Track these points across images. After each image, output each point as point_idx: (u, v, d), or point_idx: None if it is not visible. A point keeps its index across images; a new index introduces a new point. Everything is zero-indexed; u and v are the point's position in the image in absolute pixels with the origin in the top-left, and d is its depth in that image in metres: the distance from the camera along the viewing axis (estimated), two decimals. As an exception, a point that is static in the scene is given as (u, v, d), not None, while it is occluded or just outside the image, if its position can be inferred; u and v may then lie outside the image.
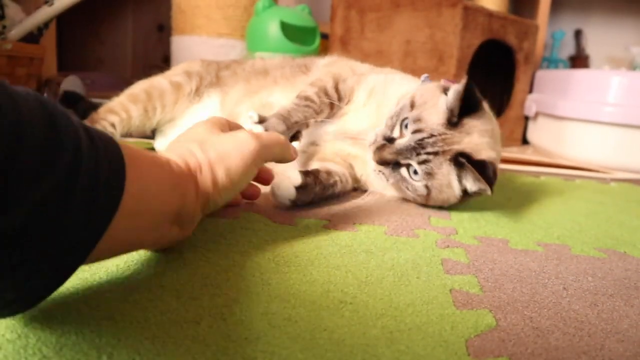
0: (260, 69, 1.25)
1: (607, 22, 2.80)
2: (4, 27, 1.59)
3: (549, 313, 0.57)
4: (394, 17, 1.78)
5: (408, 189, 0.93)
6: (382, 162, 0.92)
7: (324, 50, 2.04)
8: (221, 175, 0.61)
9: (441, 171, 0.89)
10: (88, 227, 0.42)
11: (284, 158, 0.73)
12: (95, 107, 1.63)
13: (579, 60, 2.79)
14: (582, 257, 0.77)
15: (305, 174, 0.90)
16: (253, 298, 0.55)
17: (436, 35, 1.72)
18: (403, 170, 0.92)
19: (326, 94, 1.05)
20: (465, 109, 0.89)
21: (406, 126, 0.91)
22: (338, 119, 1.07)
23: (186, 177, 0.58)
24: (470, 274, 0.67)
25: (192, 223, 0.62)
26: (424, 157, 0.88)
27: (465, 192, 0.91)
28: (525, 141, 2.16)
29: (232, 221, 0.80)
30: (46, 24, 1.77)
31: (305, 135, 1.07)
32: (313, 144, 1.09)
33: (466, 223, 0.90)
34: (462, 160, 0.87)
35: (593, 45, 2.81)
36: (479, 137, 0.90)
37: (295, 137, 1.03)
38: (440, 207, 0.97)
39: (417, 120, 0.89)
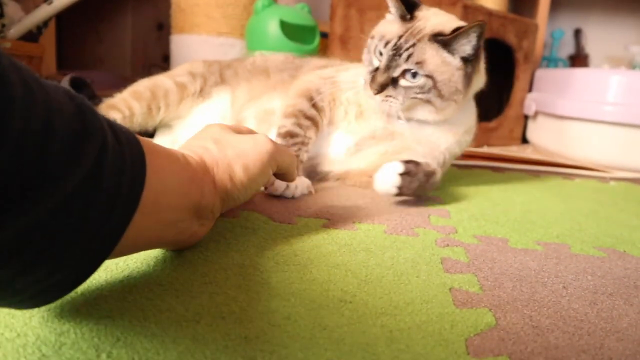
0: (261, 68, 1.26)
1: (606, 21, 2.79)
2: (3, 25, 1.58)
3: (549, 312, 0.57)
4: (393, 16, 1.77)
5: (417, 94, 0.96)
6: (381, 86, 0.96)
7: (323, 49, 2.03)
8: (239, 172, 0.62)
9: (429, 53, 0.94)
10: (113, 221, 0.42)
11: (290, 172, 0.73)
12: (97, 96, 1.63)
13: (578, 59, 2.79)
14: (582, 256, 0.77)
15: (406, 162, 0.95)
16: (252, 297, 0.55)
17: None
18: (402, 82, 0.96)
19: (305, 116, 1.05)
20: (409, 7, 0.98)
21: (380, 53, 0.98)
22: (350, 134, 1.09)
23: (203, 171, 0.58)
24: (470, 272, 0.67)
25: (211, 219, 0.63)
26: (405, 54, 0.94)
27: (465, 60, 0.95)
28: (524, 140, 2.16)
29: (231, 220, 0.80)
30: (45, 23, 1.76)
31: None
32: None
33: (466, 222, 0.90)
34: (440, 37, 0.94)
35: (592, 45, 2.80)
36: (437, 18, 0.99)
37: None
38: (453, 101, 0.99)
39: (382, 37, 0.98)
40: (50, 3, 1.62)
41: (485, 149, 1.84)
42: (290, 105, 1.08)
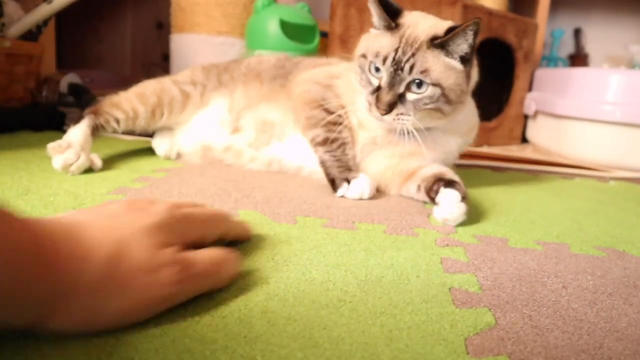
0: (255, 72, 1.26)
1: (606, 21, 2.79)
2: (3, 25, 1.58)
3: (548, 312, 0.57)
4: (393, 16, 1.77)
5: (427, 105, 0.93)
6: (390, 105, 0.92)
7: (323, 48, 2.03)
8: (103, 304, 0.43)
9: (431, 60, 0.91)
10: None
11: (214, 287, 0.54)
12: (97, 100, 1.62)
13: (578, 58, 2.79)
14: (581, 256, 0.78)
15: (450, 183, 0.93)
16: (252, 297, 0.55)
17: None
18: (410, 95, 0.93)
19: (332, 123, 1.05)
20: (392, 15, 0.95)
21: (377, 70, 0.94)
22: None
23: (32, 252, 0.38)
24: (470, 272, 0.67)
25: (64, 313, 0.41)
26: (406, 66, 0.91)
27: (463, 60, 0.93)
28: (524, 140, 2.16)
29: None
30: (45, 22, 1.76)
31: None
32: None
33: (465, 222, 0.90)
34: (437, 41, 0.91)
35: (592, 44, 2.80)
36: (425, 21, 0.96)
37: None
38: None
39: (376, 54, 0.93)
40: (50, 2, 1.62)
41: (485, 149, 1.84)
42: (310, 118, 1.07)
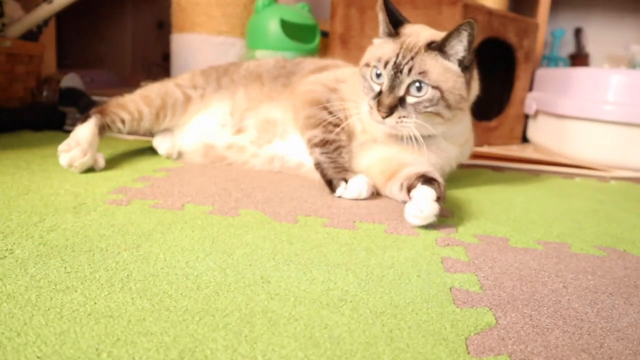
0: (255, 75, 1.27)
1: (607, 21, 2.79)
2: (3, 24, 1.58)
3: (549, 311, 0.57)
4: (394, 15, 1.77)
5: (427, 108, 0.94)
6: (390, 108, 0.93)
7: (324, 48, 2.03)
8: None
9: (429, 63, 0.93)
10: None
11: None
12: (96, 104, 1.63)
13: (579, 58, 2.79)
14: (582, 256, 0.77)
15: (428, 181, 0.91)
16: (253, 296, 0.55)
17: (436, 33, 1.72)
18: (410, 99, 0.94)
19: (331, 124, 1.06)
20: (395, 24, 0.99)
21: (377, 76, 0.97)
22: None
23: None
24: (470, 272, 0.67)
25: None
26: (405, 68, 0.93)
27: (462, 66, 0.95)
28: (525, 139, 2.16)
29: (232, 219, 0.80)
30: (45, 22, 1.76)
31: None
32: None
33: (466, 221, 0.90)
34: (434, 44, 0.93)
35: (593, 44, 2.80)
36: (427, 31, 0.99)
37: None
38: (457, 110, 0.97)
39: (378, 59, 0.96)
40: (51, 2, 1.62)
41: (485, 148, 1.84)
42: (309, 117, 1.07)
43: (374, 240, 0.76)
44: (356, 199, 0.98)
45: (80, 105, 1.68)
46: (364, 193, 0.99)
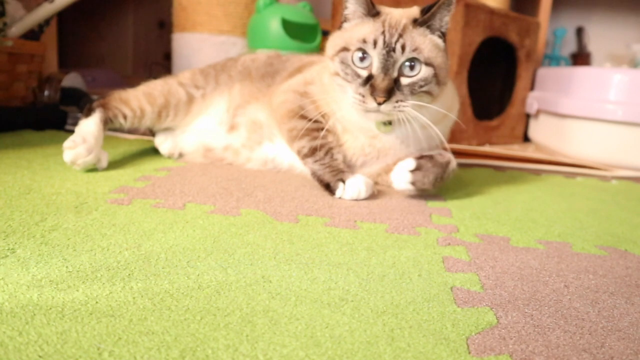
0: (247, 71, 1.26)
1: (608, 20, 2.79)
2: (5, 24, 1.58)
3: (550, 311, 0.57)
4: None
5: (422, 87, 0.90)
6: (387, 92, 0.88)
7: (325, 47, 2.03)
8: None
9: (419, 39, 0.91)
10: None
11: None
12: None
13: (580, 57, 2.78)
14: (583, 255, 0.77)
15: (419, 157, 0.96)
16: (254, 296, 0.55)
17: (437, 33, 1.72)
18: (404, 80, 0.90)
19: (314, 130, 1.04)
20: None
21: (361, 59, 0.91)
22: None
23: None
24: (472, 271, 0.67)
25: None
26: (398, 45, 0.89)
27: (443, 37, 0.94)
28: (526, 139, 2.15)
29: (233, 218, 0.80)
30: (47, 21, 1.76)
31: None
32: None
33: (467, 221, 0.90)
34: (421, 19, 0.91)
35: (594, 43, 2.80)
36: (395, 10, 0.96)
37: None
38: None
39: (362, 41, 0.90)
40: (52, 1, 1.62)
41: (487, 148, 1.83)
42: (292, 129, 1.06)
43: (375, 240, 0.76)
44: (356, 199, 0.98)
45: (81, 105, 1.68)
46: (363, 193, 0.98)
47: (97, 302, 0.50)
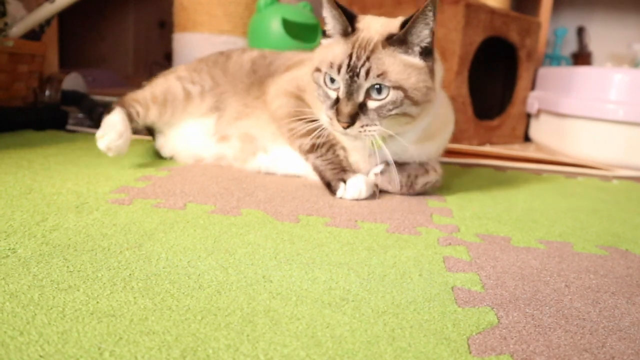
0: (234, 82, 1.23)
1: (609, 19, 2.79)
2: (6, 24, 1.58)
3: (551, 311, 0.57)
4: (396, 14, 1.77)
5: (391, 111, 0.87)
6: (351, 117, 0.86)
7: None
8: None
9: (387, 61, 0.86)
10: None
11: None
12: (99, 104, 1.64)
13: (581, 57, 2.78)
14: (584, 255, 0.77)
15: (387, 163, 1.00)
16: (255, 295, 0.55)
17: (438, 32, 1.72)
18: (371, 103, 0.87)
19: (314, 130, 1.02)
20: (349, 17, 0.90)
21: (332, 80, 0.89)
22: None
23: None
24: (472, 271, 0.67)
25: None
26: (362, 71, 0.85)
27: (424, 53, 0.88)
28: (527, 138, 2.15)
29: (233, 218, 0.80)
30: (48, 21, 1.76)
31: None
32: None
33: (468, 221, 0.90)
34: (395, 37, 0.86)
35: (595, 43, 2.79)
36: (374, 21, 0.91)
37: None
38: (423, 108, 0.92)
39: (330, 64, 0.88)
40: (53, 2, 1.62)
41: (487, 148, 1.83)
42: (292, 129, 1.05)
43: (376, 240, 0.76)
44: (357, 199, 0.98)
45: (82, 106, 1.68)
46: (364, 193, 0.98)
47: (98, 302, 0.50)
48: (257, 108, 1.16)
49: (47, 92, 1.77)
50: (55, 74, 1.85)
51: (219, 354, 0.43)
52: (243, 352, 0.44)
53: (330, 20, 0.93)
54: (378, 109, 0.87)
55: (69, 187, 0.91)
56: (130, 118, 1.15)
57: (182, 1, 2.09)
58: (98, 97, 1.77)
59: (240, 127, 1.17)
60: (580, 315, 0.56)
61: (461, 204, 1.02)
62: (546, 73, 2.09)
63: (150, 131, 1.28)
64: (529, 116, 2.13)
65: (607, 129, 1.69)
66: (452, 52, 1.72)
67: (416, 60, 0.88)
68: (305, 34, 1.88)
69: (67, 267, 0.58)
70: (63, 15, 2.14)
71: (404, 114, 0.89)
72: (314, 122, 1.01)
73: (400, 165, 1.02)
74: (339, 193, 0.98)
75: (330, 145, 1.03)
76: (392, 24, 0.91)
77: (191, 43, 2.08)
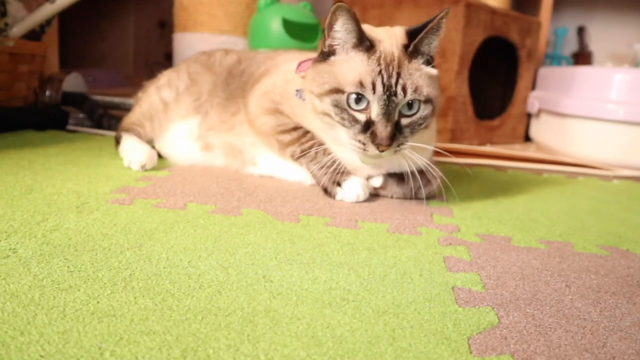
0: (214, 91, 1.22)
1: (610, 19, 2.79)
2: (6, 24, 1.58)
3: (551, 310, 0.57)
4: (396, 14, 1.77)
5: (421, 125, 0.86)
6: (390, 139, 0.82)
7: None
8: None
9: (416, 75, 0.84)
10: None
11: None
12: (100, 105, 1.64)
13: (581, 57, 2.78)
14: (585, 255, 0.77)
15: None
16: (255, 295, 0.55)
17: (438, 32, 1.72)
18: (404, 120, 0.84)
19: (302, 136, 1.03)
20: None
21: (357, 100, 0.83)
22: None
23: None
24: (473, 271, 0.67)
25: None
26: (399, 88, 0.81)
27: (431, 60, 0.88)
28: (527, 138, 2.15)
29: (234, 218, 0.80)
30: (48, 21, 1.76)
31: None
32: None
33: (469, 221, 0.90)
34: (411, 47, 0.84)
35: (596, 42, 2.79)
36: (383, 32, 0.89)
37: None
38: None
39: (359, 85, 0.82)
40: (53, 2, 1.62)
41: (488, 148, 1.83)
42: (279, 141, 1.04)
43: (376, 240, 0.76)
44: (356, 202, 0.98)
45: (83, 107, 1.68)
46: (362, 196, 0.97)
47: (98, 302, 0.50)
48: (235, 125, 1.14)
49: (47, 92, 1.77)
50: (56, 74, 1.85)
51: (219, 354, 0.43)
52: (243, 352, 0.44)
53: (343, 35, 0.85)
54: (411, 125, 0.85)
55: (69, 187, 0.91)
56: (140, 138, 1.20)
57: (182, 1, 2.09)
58: (98, 97, 1.77)
59: (223, 139, 1.16)
60: (581, 315, 0.56)
61: (461, 203, 1.02)
62: (547, 73, 2.09)
63: None
64: (529, 116, 2.13)
65: (607, 129, 1.69)
66: (453, 52, 1.72)
67: (433, 70, 0.87)
68: (305, 33, 1.88)
69: (68, 267, 0.58)
70: (63, 15, 2.14)
71: (426, 126, 0.88)
72: (297, 130, 1.02)
73: (399, 176, 1.00)
74: (339, 196, 0.97)
75: (321, 149, 1.00)
76: (397, 34, 0.88)
77: (191, 43, 2.08)
